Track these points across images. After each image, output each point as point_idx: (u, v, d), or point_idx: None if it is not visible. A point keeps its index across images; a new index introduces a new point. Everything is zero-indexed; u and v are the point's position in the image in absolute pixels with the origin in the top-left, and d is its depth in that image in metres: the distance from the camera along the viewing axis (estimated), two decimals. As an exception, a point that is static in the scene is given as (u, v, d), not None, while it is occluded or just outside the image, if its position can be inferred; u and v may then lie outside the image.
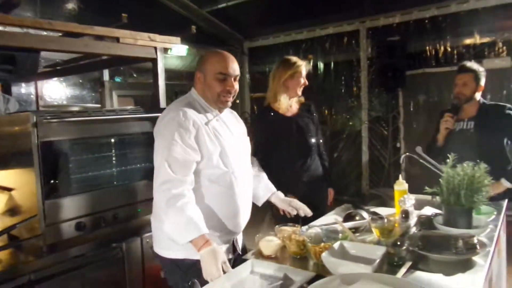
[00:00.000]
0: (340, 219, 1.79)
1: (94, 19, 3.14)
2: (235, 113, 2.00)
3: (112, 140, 2.15)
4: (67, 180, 1.97)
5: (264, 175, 2.10)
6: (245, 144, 1.94)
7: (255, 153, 2.32)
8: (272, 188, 2.08)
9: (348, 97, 6.13)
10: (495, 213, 1.87)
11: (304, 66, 2.53)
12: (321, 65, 6.32)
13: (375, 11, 5.61)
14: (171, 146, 1.59)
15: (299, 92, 2.56)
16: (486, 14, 4.87)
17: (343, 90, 6.18)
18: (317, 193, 2.58)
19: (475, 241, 1.44)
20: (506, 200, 2.20)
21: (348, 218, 1.80)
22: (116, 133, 2.14)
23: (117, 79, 5.78)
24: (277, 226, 1.68)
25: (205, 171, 1.69)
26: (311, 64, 6.36)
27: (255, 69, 7.17)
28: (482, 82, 2.61)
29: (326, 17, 5.95)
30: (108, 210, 2.10)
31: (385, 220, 1.61)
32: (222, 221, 1.73)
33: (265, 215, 2.75)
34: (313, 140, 2.60)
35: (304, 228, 1.69)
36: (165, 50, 3.18)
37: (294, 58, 2.55)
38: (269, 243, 1.52)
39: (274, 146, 2.48)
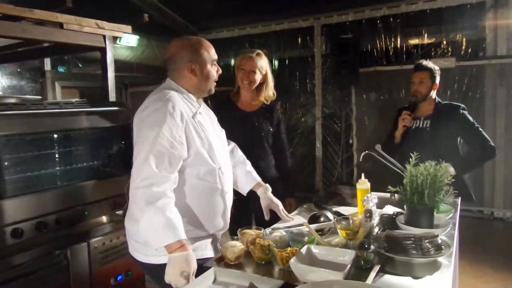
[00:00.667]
0: (305, 220, 1.73)
1: (33, 1, 2.85)
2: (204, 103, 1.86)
3: (55, 136, 1.94)
4: (0, 182, 1.74)
5: (248, 162, 2.01)
6: (223, 139, 1.85)
7: None
8: (256, 177, 1.99)
9: (303, 93, 6.17)
10: (453, 210, 1.90)
11: (244, 59, 2.38)
12: (275, 61, 6.29)
13: (329, 8, 5.66)
14: (157, 139, 1.46)
15: (247, 86, 2.40)
16: (433, 16, 5.05)
17: (297, 86, 6.20)
18: None
19: (439, 241, 1.44)
20: (460, 198, 2.26)
21: (312, 219, 1.74)
22: (59, 129, 1.93)
23: (61, 69, 5.37)
24: (239, 229, 1.59)
25: (193, 168, 1.58)
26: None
27: (209, 63, 7.00)
28: (437, 80, 2.68)
29: (281, 12, 5.92)
30: (50, 214, 1.89)
31: (351, 221, 1.58)
32: (212, 219, 1.65)
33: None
34: (267, 141, 2.48)
35: (268, 230, 1.61)
36: (114, 39, 2.97)
37: (248, 50, 2.43)
38: (232, 248, 1.42)
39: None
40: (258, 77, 2.40)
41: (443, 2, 4.98)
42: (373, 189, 2.13)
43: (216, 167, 1.63)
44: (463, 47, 5.01)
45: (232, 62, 6.54)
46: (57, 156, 1.96)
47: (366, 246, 1.39)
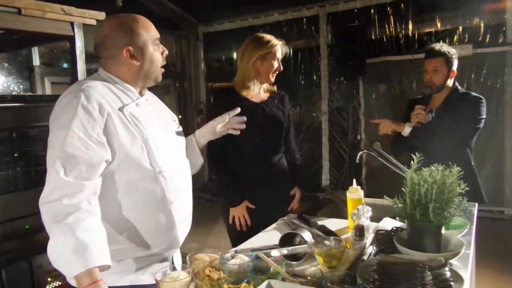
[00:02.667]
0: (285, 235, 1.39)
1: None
2: (152, 94, 1.54)
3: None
4: None
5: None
6: (177, 135, 1.52)
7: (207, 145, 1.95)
8: (190, 137, 1.66)
9: (308, 86, 5.83)
10: (468, 226, 1.52)
11: (279, 47, 2.06)
12: (279, 52, 5.96)
13: (335, -5, 5.31)
14: (67, 138, 1.16)
15: (272, 78, 2.09)
16: (448, 0, 4.65)
17: (302, 79, 5.86)
18: (281, 198, 2.16)
19: (448, 274, 1.08)
20: (477, 205, 1.89)
21: (284, 240, 1.38)
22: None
23: (65, 65, 5.15)
24: (189, 254, 1.25)
25: (122, 173, 1.27)
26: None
27: (211, 57, 6.74)
28: (455, 66, 2.27)
29: (284, 1, 5.62)
30: (-22, 229, 1.60)
31: (333, 244, 1.23)
32: (153, 236, 1.33)
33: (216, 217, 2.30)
34: (281, 136, 2.15)
35: (229, 254, 1.27)
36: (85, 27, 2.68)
37: (268, 36, 2.06)
38: (172, 283, 1.09)
39: (230, 135, 2.04)
40: None
41: (459, -15, 4.57)
42: (383, 191, 1.77)
43: (155, 170, 1.31)
44: (481, 33, 4.60)
45: (235, 56, 6.23)
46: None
47: (346, 279, 1.05)
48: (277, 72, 2.10)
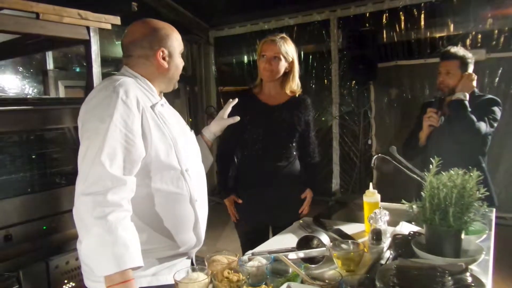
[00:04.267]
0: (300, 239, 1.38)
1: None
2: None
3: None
4: None
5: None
6: (193, 137, 1.56)
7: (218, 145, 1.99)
8: (198, 137, 1.69)
9: (319, 90, 5.82)
10: (487, 231, 1.50)
11: (266, 43, 2.02)
12: (290, 57, 5.96)
13: (346, -1, 5.31)
14: (109, 131, 1.15)
15: (270, 77, 2.04)
16: (461, 4, 4.65)
17: (313, 83, 5.85)
18: (289, 202, 2.14)
19: (469, 279, 1.07)
20: (494, 210, 1.87)
21: (302, 243, 1.38)
22: (11, 131, 1.65)
23: (77, 69, 5.21)
24: (207, 255, 1.26)
25: (152, 170, 1.28)
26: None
27: (221, 61, 6.78)
28: (470, 70, 2.26)
29: (295, 5, 5.62)
30: (-3, 229, 1.62)
31: (351, 247, 1.22)
32: (181, 234, 1.35)
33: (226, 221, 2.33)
34: (293, 140, 2.11)
35: (246, 256, 1.27)
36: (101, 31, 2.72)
37: (271, 35, 2.06)
38: (192, 284, 1.09)
39: (241, 135, 2.03)
40: (282, 65, 2.03)
41: (470, -10, 4.55)
42: (394, 196, 1.76)
43: (182, 168, 1.34)
44: (494, 38, 4.55)
45: (245, 60, 6.30)
46: (8, 162, 1.67)
47: (366, 282, 1.04)
48: (272, 72, 2.02)
